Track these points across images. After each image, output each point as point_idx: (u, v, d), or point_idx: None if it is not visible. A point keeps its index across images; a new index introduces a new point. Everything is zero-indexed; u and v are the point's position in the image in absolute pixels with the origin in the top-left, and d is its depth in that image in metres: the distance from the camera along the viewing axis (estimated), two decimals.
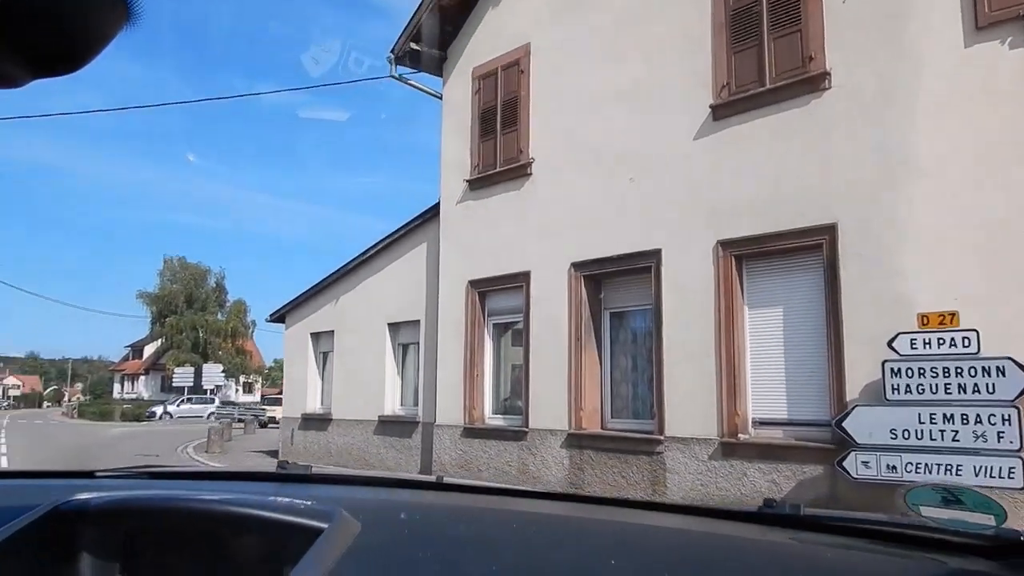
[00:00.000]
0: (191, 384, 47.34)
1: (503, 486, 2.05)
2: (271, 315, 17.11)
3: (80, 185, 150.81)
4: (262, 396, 79.28)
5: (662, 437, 9.31)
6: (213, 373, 46.32)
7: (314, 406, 16.04)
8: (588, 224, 10.53)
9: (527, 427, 10.94)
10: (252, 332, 64.03)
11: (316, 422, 15.60)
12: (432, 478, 1.92)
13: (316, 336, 16.22)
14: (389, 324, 14.11)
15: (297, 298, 16.45)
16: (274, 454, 17.31)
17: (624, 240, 10.04)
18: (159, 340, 64.19)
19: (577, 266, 10.63)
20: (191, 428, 29.25)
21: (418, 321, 13.43)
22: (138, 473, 1.73)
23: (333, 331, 15.54)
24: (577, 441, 10.31)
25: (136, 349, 71.22)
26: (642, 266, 9.87)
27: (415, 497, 1.58)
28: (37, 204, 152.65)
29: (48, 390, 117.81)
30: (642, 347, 10.28)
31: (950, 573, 1.09)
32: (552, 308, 10.81)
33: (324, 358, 16.17)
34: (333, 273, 15.38)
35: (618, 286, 10.52)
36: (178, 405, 47.18)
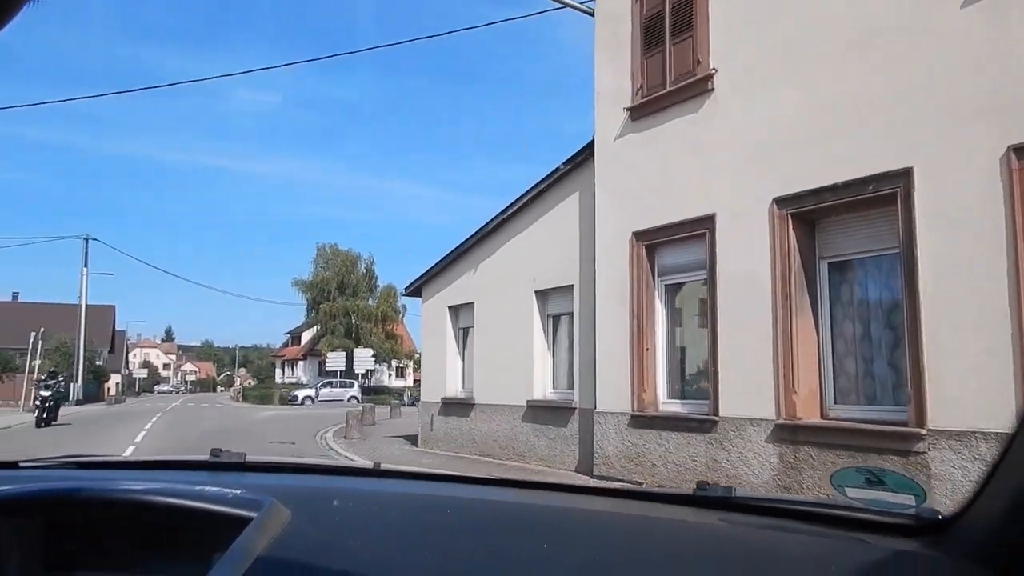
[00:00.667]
0: (343, 369, 47.65)
1: (442, 472, 1.78)
2: (407, 288, 15.44)
3: (246, 185, 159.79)
4: (415, 381, 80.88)
5: (923, 431, 6.58)
6: (363, 358, 46.35)
7: (454, 389, 14.21)
8: (795, 146, 7.88)
9: (716, 415, 8.46)
10: (403, 317, 64.29)
11: (457, 407, 13.75)
12: (370, 464, 1.73)
13: (455, 310, 14.37)
14: (537, 292, 11.96)
15: (433, 267, 14.66)
16: (414, 440, 15.69)
17: (852, 161, 7.33)
18: (315, 327, 65.89)
19: (781, 202, 8.00)
20: (335, 412, 28.61)
21: (571, 287, 11.19)
22: (63, 463, 1.68)
23: (473, 303, 13.61)
24: (790, 434, 7.72)
25: (294, 336, 73.70)
26: (882, 194, 7.12)
27: (350, 484, 1.57)
28: (211, 203, 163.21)
29: (221, 376, 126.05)
30: (880, 307, 7.53)
31: (873, 551, 1.12)
32: (747, 260, 8.24)
33: (464, 334, 14.30)
34: (472, 237, 13.43)
35: (841, 226, 7.81)
36: (319, 389, 47.79)
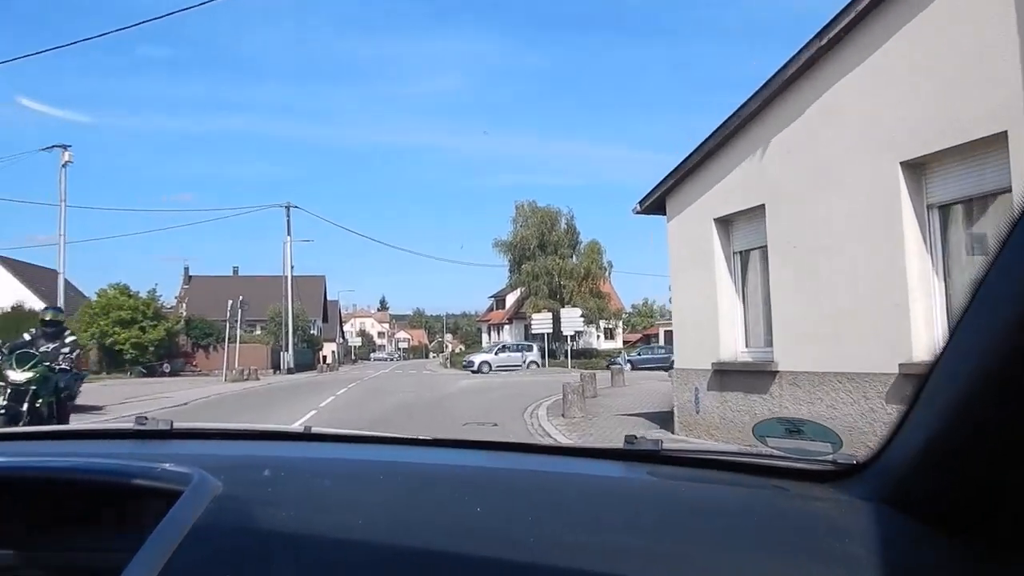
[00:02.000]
0: (550, 331, 43.74)
1: (373, 434, 1.71)
2: (642, 202, 10.45)
3: (448, 158, 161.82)
4: (625, 343, 76.02)
5: None
6: (571, 318, 42.14)
7: (733, 348, 9.11)
8: None
9: None
10: (609, 273, 59.32)
11: (742, 377, 8.67)
12: (300, 428, 1.68)
13: (725, 224, 9.23)
14: (906, 166, 6.53)
15: (684, 164, 9.55)
16: (666, 421, 10.87)
17: None
18: (518, 288, 62.85)
19: None
20: (546, 380, 24.36)
21: (1001, 137, 5.66)
22: None
23: (763, 206, 8.38)
24: None
25: (498, 299, 71.24)
26: None
27: (282, 451, 1.56)
28: (416, 178, 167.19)
29: (432, 343, 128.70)
30: None
31: (791, 497, 1.17)
32: None
33: (743, 261, 9.14)
34: (753, 97, 8.15)
35: None
36: (495, 354, 43.83)
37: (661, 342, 50.84)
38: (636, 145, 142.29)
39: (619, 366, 26.10)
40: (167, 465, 1.17)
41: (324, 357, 68.31)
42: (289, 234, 44.68)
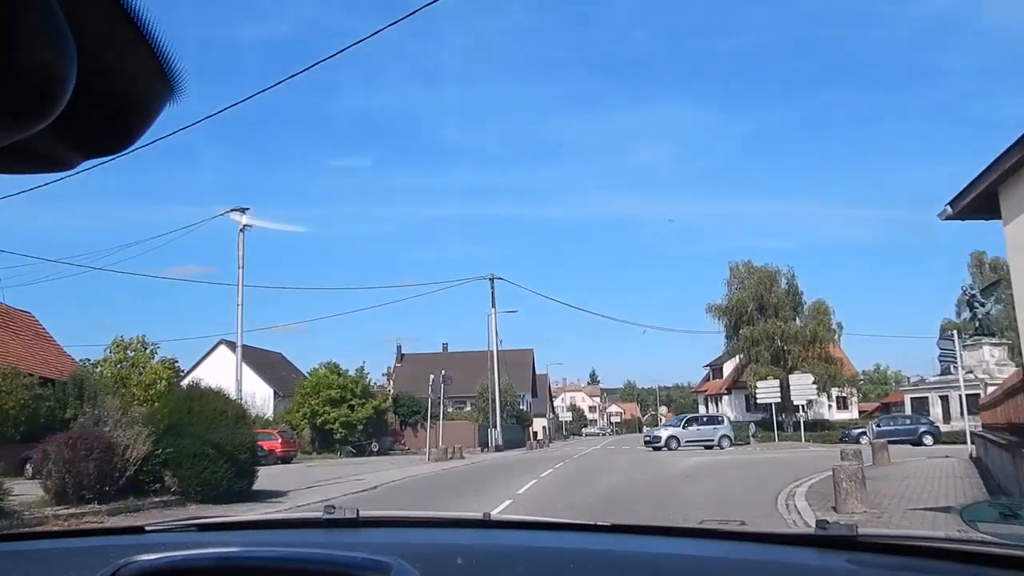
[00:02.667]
0: (778, 400, 39.04)
1: (553, 520, 1.78)
2: (954, 202, 7.20)
3: (653, 228, 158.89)
4: (860, 412, 67.77)
5: None
6: (802, 385, 37.32)
7: None
8: None
9: None
10: (839, 336, 53.03)
11: None
12: (479, 515, 1.76)
13: None
14: None
15: None
16: None
17: None
18: (736, 355, 58.06)
19: None
20: (787, 457, 20.49)
21: None
22: (187, 526, 1.71)
23: None
24: None
25: (715, 368, 66.36)
26: None
27: (467, 538, 1.60)
28: (621, 249, 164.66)
29: (645, 416, 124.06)
30: None
31: None
32: None
33: None
34: None
35: None
36: (683, 427, 38.70)
37: (907, 410, 44.17)
38: (853, 202, 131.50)
39: (877, 440, 21.61)
40: (367, 554, 1.18)
41: (535, 433, 66.74)
42: (494, 306, 43.82)
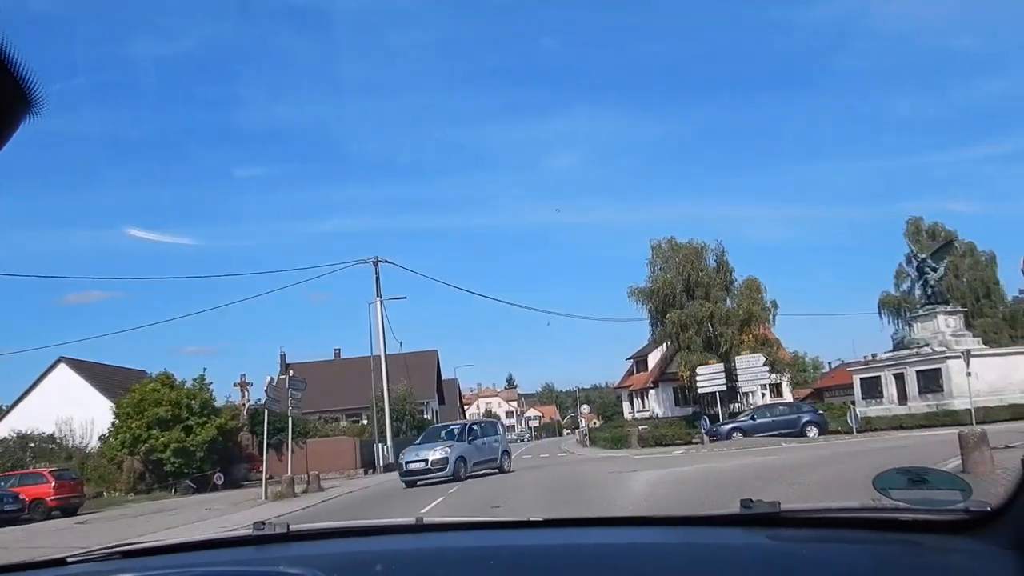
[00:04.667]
0: (723, 388, 32.77)
1: (483, 520, 2.00)
2: None
3: (570, 235, 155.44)
4: (800, 398, 62.94)
5: None
6: (751, 369, 31.04)
7: None
8: None
9: None
10: (774, 316, 47.31)
11: None
12: (412, 520, 1.74)
13: None
14: None
15: None
16: None
17: None
18: (663, 344, 51.94)
19: None
20: (801, 462, 13.82)
21: None
22: (111, 554, 1.64)
23: None
24: None
25: (639, 360, 60.20)
26: None
27: (394, 544, 1.59)
28: (542, 256, 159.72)
29: (565, 418, 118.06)
30: None
31: (926, 551, 1.12)
32: None
33: None
34: None
35: None
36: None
37: (857, 394, 38.81)
38: (772, 200, 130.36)
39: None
40: (282, 567, 1.18)
41: None
42: (379, 295, 36.10)
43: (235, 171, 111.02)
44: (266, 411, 21.29)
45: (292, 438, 22.67)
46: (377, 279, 36.38)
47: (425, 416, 53.53)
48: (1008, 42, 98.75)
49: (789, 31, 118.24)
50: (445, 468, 19.34)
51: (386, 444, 35.27)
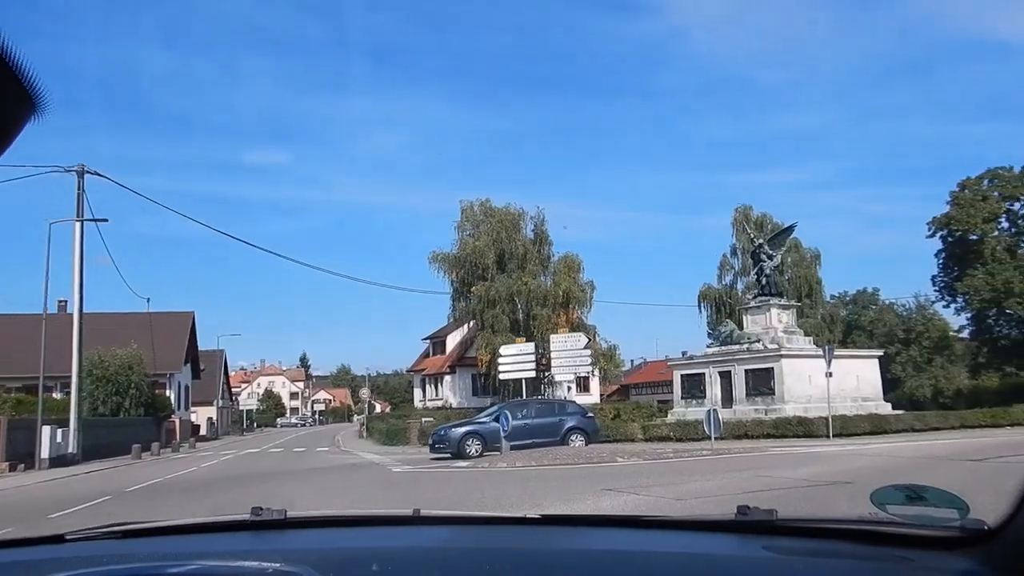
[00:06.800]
0: (531, 374, 25.79)
1: (479, 515, 1.93)
2: None
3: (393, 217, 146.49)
4: (606, 396, 58.11)
5: None
6: (570, 350, 24.25)
7: None
8: None
9: None
10: (591, 297, 41.37)
11: None
12: (408, 512, 1.72)
13: None
14: None
15: None
16: None
17: None
18: (465, 324, 44.83)
19: None
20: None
21: None
22: (109, 533, 1.65)
23: None
24: None
25: (436, 341, 52.66)
26: None
27: (390, 539, 1.59)
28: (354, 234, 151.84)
29: (358, 404, 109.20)
30: None
31: (919, 568, 1.12)
32: None
33: None
34: None
35: None
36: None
37: (676, 391, 33.72)
38: (596, 200, 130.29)
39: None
40: (279, 566, 1.17)
41: (194, 426, 48.54)
42: (80, 214, 25.72)
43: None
44: None
45: None
46: (80, 195, 25.90)
47: (168, 392, 42.93)
48: (804, 79, 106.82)
49: (620, 40, 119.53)
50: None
51: (72, 428, 25.07)
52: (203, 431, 51.44)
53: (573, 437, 19.32)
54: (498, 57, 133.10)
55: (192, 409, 50.82)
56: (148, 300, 47.80)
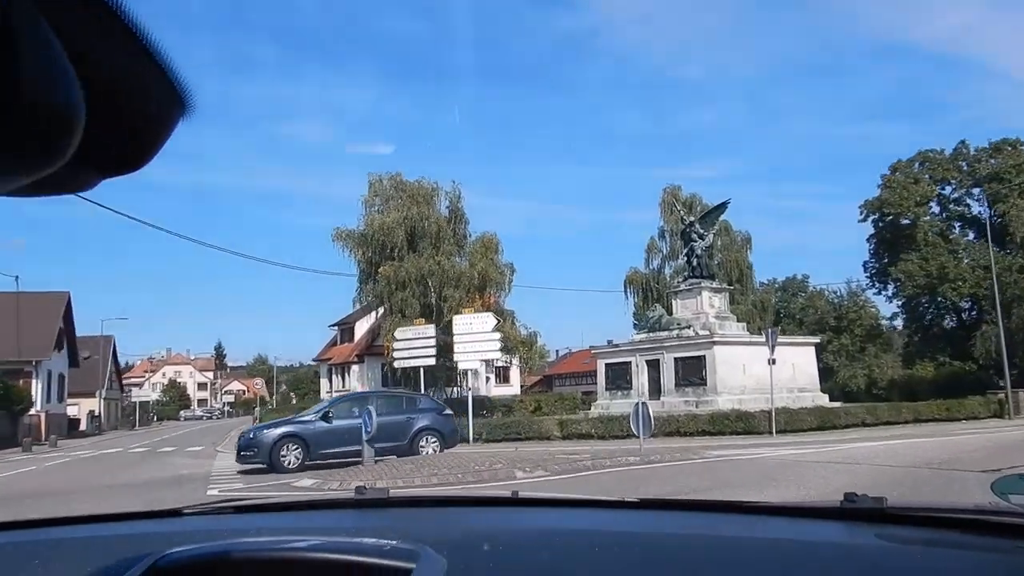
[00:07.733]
0: (430, 362, 22.28)
1: (580, 498, 1.94)
2: None
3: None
4: (527, 388, 55.16)
5: None
6: (476, 334, 20.86)
7: None
8: None
9: None
10: (509, 281, 38.22)
11: None
12: (508, 494, 1.80)
13: None
14: None
15: None
16: None
17: None
18: (376, 309, 40.95)
19: None
20: None
21: None
22: (222, 508, 1.72)
23: None
24: None
25: (344, 328, 48.72)
26: None
27: (494, 519, 1.63)
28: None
29: (276, 394, 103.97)
30: None
31: None
32: None
33: None
34: None
35: None
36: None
37: (600, 382, 30.72)
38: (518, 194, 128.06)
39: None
40: (395, 543, 1.20)
41: (72, 420, 43.45)
42: None
43: None
44: None
45: None
46: None
47: (34, 382, 38.00)
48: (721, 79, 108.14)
49: (543, 33, 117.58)
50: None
51: None
52: (83, 426, 46.36)
53: (424, 441, 15.23)
54: (413, 43, 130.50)
55: (71, 401, 45.66)
56: (16, 278, 42.49)
